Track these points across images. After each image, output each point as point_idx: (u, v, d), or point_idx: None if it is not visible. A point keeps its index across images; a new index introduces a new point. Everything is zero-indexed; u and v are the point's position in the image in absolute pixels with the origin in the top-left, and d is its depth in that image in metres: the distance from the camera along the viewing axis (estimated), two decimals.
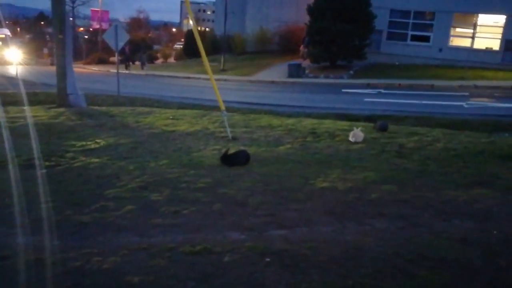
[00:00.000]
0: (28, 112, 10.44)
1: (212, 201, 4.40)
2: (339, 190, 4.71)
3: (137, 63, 35.34)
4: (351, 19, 22.03)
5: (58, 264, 3.14)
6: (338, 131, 7.93)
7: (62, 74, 11.98)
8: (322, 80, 22.25)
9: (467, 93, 16.52)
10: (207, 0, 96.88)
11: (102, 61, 39.01)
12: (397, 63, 24.41)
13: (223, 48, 28.90)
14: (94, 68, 34.95)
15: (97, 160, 6.06)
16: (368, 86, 19.88)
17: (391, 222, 3.89)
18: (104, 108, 11.57)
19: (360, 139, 7.08)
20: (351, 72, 23.00)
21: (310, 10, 23.44)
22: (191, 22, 7.55)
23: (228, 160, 5.71)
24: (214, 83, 7.64)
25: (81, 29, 57.27)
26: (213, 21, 56.53)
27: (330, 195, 4.58)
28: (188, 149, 6.68)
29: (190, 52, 36.61)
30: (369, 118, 11.22)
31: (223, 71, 27.08)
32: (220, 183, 4.98)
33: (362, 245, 3.42)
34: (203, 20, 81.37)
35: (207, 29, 54.40)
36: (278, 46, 32.18)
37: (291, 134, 7.86)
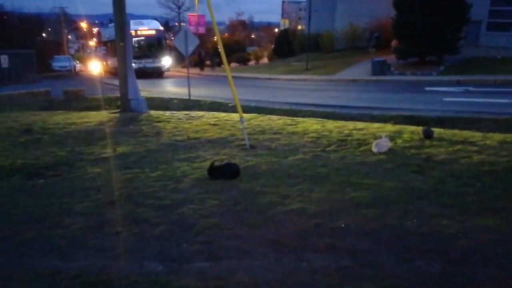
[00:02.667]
0: (85, 118, 11.03)
1: (161, 222, 4.09)
2: (307, 214, 4.10)
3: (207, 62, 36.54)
4: (441, 11, 20.11)
5: None
6: (374, 139, 7.08)
7: (124, 80, 12.50)
8: (408, 78, 20.63)
9: None
10: None
11: (197, 64, 40.50)
12: (499, 57, 21.78)
13: (307, 46, 28.27)
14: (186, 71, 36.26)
15: (98, 170, 6.06)
16: (457, 83, 18.00)
17: (336, 260, 3.24)
18: (159, 113, 11.79)
19: (384, 149, 6.24)
20: (442, 68, 21.03)
21: (396, 3, 21.87)
22: (215, 25, 7.25)
23: (214, 172, 5.33)
24: (233, 89, 7.28)
25: None
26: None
27: (292, 219, 4.00)
28: (195, 158, 6.43)
29: (279, 52, 36.51)
30: (439, 121, 10.07)
31: (306, 70, 26.51)
32: (188, 200, 4.64)
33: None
34: (300, 19, 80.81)
35: (299, 27, 53.88)
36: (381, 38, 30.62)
37: (317, 142, 7.22)
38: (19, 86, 22.40)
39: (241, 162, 6.11)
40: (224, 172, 5.32)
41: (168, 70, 29.38)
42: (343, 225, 3.79)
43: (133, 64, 20.09)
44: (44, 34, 59.95)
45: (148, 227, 3.99)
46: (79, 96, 17.68)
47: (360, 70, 23.62)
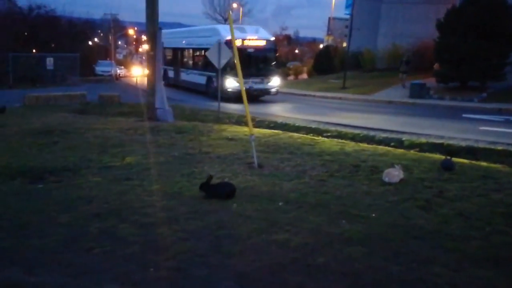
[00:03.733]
0: (109, 124, 11.15)
1: (137, 242, 3.93)
2: (289, 246, 3.83)
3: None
4: (487, 35, 19.27)
5: None
6: (388, 167, 6.71)
7: (152, 89, 12.60)
8: (447, 103, 19.82)
9: None
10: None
11: None
12: None
13: (347, 64, 27.82)
14: None
15: (98, 179, 6.01)
16: (499, 111, 17.10)
17: None
18: (184, 124, 11.75)
19: (395, 179, 5.87)
20: (484, 94, 20.08)
21: (440, 25, 21.17)
22: (233, 39, 7.09)
23: (209, 190, 5.15)
24: (245, 102, 7.09)
25: None
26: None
27: (271, 251, 3.74)
28: (198, 174, 6.27)
29: (319, 68, 36.16)
30: (469, 151, 9.51)
31: (343, 88, 26.04)
32: (173, 219, 4.47)
33: None
34: (345, 36, 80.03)
35: (343, 44, 53.35)
36: (411, 63, 29.84)
37: (329, 165, 6.91)
38: (60, 88, 23.17)
39: (242, 181, 5.90)
40: (218, 191, 5.13)
41: (276, 93, 21.33)
42: (319, 262, 3.49)
43: (238, 85, 16.90)
44: (95, 39, 62.35)
45: (121, 246, 3.84)
46: (114, 102, 18.00)
47: (399, 91, 22.95)
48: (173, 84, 26.19)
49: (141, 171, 6.46)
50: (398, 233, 4.18)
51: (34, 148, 8.03)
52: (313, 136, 10.20)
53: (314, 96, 23.82)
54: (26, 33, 28.65)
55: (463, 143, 10.11)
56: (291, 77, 42.33)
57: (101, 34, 66.29)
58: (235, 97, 18.01)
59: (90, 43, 59.05)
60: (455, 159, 7.82)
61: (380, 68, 31.81)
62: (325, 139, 9.84)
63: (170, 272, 3.40)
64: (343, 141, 9.70)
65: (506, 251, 3.84)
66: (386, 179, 5.88)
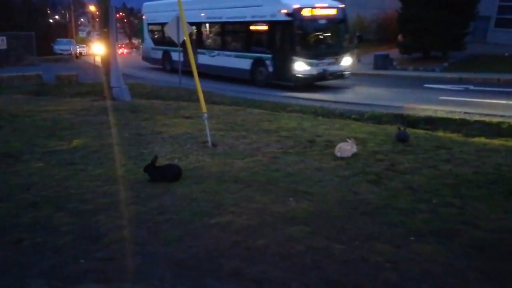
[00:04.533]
0: (63, 105, 10.69)
1: (70, 232, 3.72)
2: (231, 229, 3.68)
3: None
4: (448, 5, 19.32)
5: None
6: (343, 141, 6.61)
7: (107, 67, 12.11)
8: (409, 73, 19.94)
9: None
10: None
11: None
12: (506, 55, 20.98)
13: None
14: None
15: (41, 165, 5.71)
16: (459, 81, 17.32)
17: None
18: (142, 102, 11.39)
19: (347, 153, 5.78)
20: (446, 64, 20.30)
21: None
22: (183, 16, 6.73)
23: (153, 173, 4.93)
24: (197, 80, 6.83)
25: None
26: None
27: (212, 235, 3.59)
28: (147, 156, 6.01)
29: None
30: (428, 121, 9.56)
31: None
32: (112, 206, 4.26)
33: None
34: None
35: None
36: (375, 35, 29.89)
37: (284, 142, 6.78)
38: (15, 69, 22.14)
39: (192, 161, 5.71)
40: (163, 174, 4.92)
41: (349, 76, 16.54)
42: (259, 245, 3.37)
43: (311, 68, 14.65)
44: (56, 17, 59.92)
45: (53, 237, 3.62)
46: (71, 82, 17.29)
47: (363, 63, 22.94)
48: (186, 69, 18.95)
49: (87, 154, 6.17)
50: (345, 210, 4.09)
51: None
52: (272, 112, 10.02)
53: None
54: None
55: (423, 114, 10.15)
56: None
57: (62, 12, 63.81)
58: (306, 83, 14.93)
59: (51, 20, 56.78)
60: (412, 130, 7.84)
61: None
62: (286, 114, 9.68)
63: (101, 263, 3.21)
64: (302, 115, 9.59)
65: (451, 223, 3.80)
66: (338, 154, 5.79)
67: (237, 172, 5.25)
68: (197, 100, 11.90)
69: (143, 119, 8.80)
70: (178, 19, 15.60)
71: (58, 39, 36.86)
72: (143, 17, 23.60)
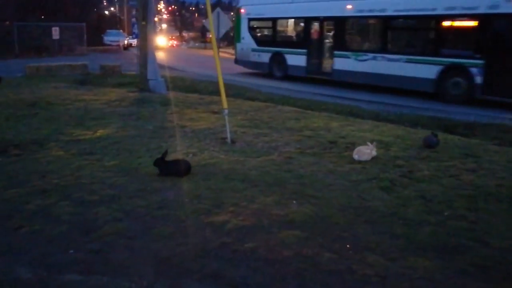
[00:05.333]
0: (100, 95, 10.99)
1: (68, 221, 3.79)
2: (224, 229, 3.62)
3: None
4: None
5: None
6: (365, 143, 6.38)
7: (144, 60, 12.33)
8: None
9: None
10: None
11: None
12: None
13: None
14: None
15: (61, 153, 5.88)
16: None
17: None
18: (177, 95, 11.50)
19: (365, 157, 5.57)
20: None
21: None
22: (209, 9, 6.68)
23: (162, 167, 4.94)
24: (220, 76, 6.80)
25: None
26: None
27: (203, 235, 3.54)
28: (166, 149, 6.06)
29: None
30: (467, 126, 9.06)
31: None
32: (116, 198, 4.30)
33: None
34: None
35: None
36: None
37: (304, 142, 6.64)
38: (66, 58, 23.04)
39: (205, 158, 5.69)
40: (172, 169, 4.92)
41: None
42: (248, 248, 3.28)
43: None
44: (112, 9, 61.77)
45: (51, 226, 3.69)
46: (115, 72, 17.79)
47: None
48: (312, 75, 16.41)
49: (107, 145, 6.29)
50: (348, 216, 3.93)
51: (12, 120, 7.93)
52: (303, 110, 9.84)
53: None
54: (32, 2, 28.44)
55: (469, 118, 9.61)
56: None
57: (118, 4, 65.72)
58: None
59: (106, 12, 58.61)
60: (446, 135, 7.46)
61: None
62: (316, 113, 9.48)
63: (88, 255, 3.24)
64: (334, 115, 9.33)
65: (458, 238, 3.56)
66: (356, 157, 5.60)
67: (247, 171, 5.17)
68: (233, 95, 12.05)
69: (171, 112, 8.89)
70: (218, 14, 15.68)
71: (108, 31, 38.06)
72: (241, 10, 18.76)
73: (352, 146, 6.32)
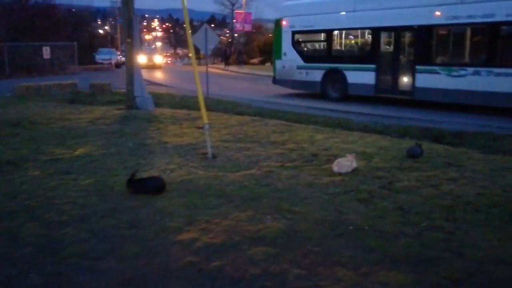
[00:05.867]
0: (86, 113, 10.90)
1: (34, 243, 3.68)
2: (193, 248, 3.52)
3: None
4: None
5: None
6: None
7: (130, 77, 12.29)
8: None
9: None
10: None
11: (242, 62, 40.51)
12: None
13: None
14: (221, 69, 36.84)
15: (37, 173, 5.77)
16: None
17: None
18: (163, 112, 11.44)
19: (345, 169, 5.49)
20: None
21: None
22: (187, 24, 6.67)
23: (135, 186, 4.85)
24: (199, 91, 6.74)
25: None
26: None
27: (171, 254, 3.43)
28: (143, 167, 5.98)
29: None
30: (456, 135, 9.01)
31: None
32: (86, 218, 4.20)
33: None
34: None
35: None
36: None
37: (286, 155, 6.56)
38: (57, 77, 22.99)
39: (183, 174, 5.60)
40: (144, 187, 4.82)
41: None
42: (213, 267, 3.17)
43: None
44: (106, 27, 62.19)
45: (15, 248, 3.58)
46: (104, 90, 17.73)
47: None
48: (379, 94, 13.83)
49: (85, 163, 6.19)
50: (322, 230, 3.83)
51: None
52: (289, 123, 9.78)
53: None
54: (24, 23, 28.50)
55: (457, 127, 9.59)
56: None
57: (113, 22, 66.18)
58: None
59: (101, 31, 58.93)
60: (432, 145, 7.39)
61: None
62: (302, 126, 9.41)
63: (50, 278, 3.12)
64: (320, 128, 9.26)
65: (434, 250, 3.47)
66: (336, 169, 5.52)
67: (224, 186, 5.08)
68: (222, 109, 11.98)
69: (155, 129, 8.82)
70: (206, 30, 15.69)
71: (99, 49, 38.19)
72: (282, 22, 16.12)
73: (334, 158, 6.23)
